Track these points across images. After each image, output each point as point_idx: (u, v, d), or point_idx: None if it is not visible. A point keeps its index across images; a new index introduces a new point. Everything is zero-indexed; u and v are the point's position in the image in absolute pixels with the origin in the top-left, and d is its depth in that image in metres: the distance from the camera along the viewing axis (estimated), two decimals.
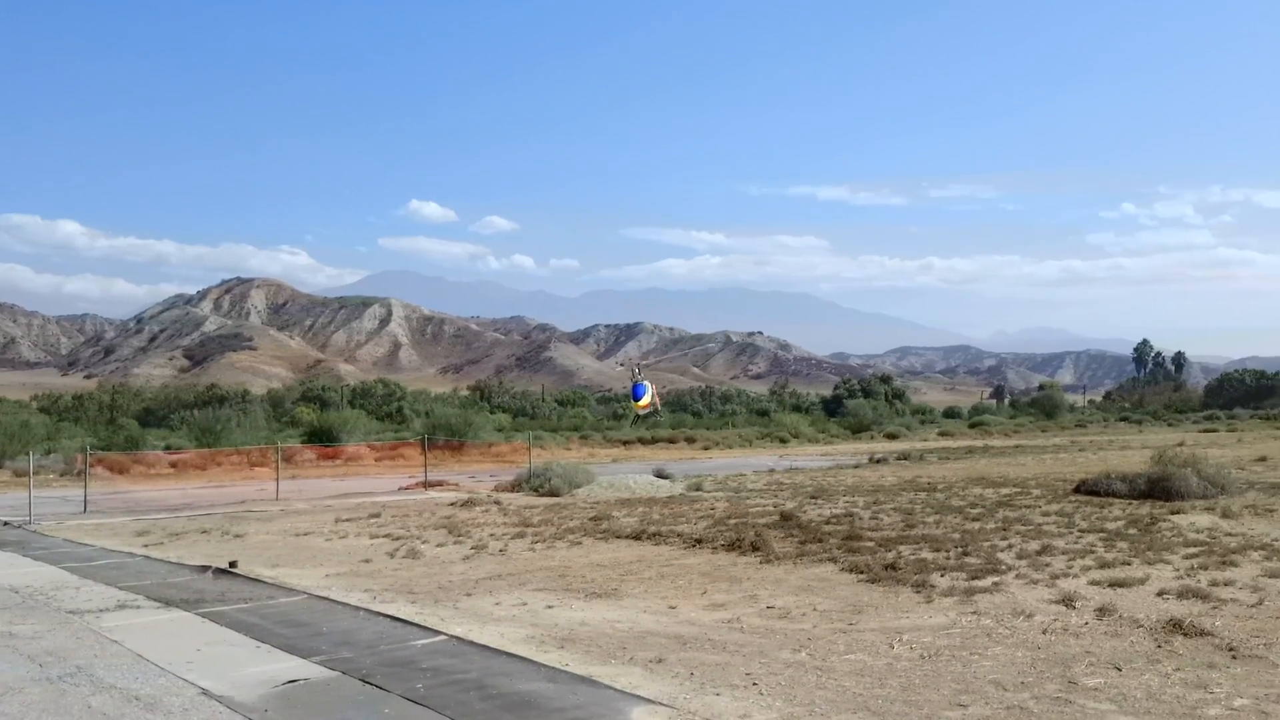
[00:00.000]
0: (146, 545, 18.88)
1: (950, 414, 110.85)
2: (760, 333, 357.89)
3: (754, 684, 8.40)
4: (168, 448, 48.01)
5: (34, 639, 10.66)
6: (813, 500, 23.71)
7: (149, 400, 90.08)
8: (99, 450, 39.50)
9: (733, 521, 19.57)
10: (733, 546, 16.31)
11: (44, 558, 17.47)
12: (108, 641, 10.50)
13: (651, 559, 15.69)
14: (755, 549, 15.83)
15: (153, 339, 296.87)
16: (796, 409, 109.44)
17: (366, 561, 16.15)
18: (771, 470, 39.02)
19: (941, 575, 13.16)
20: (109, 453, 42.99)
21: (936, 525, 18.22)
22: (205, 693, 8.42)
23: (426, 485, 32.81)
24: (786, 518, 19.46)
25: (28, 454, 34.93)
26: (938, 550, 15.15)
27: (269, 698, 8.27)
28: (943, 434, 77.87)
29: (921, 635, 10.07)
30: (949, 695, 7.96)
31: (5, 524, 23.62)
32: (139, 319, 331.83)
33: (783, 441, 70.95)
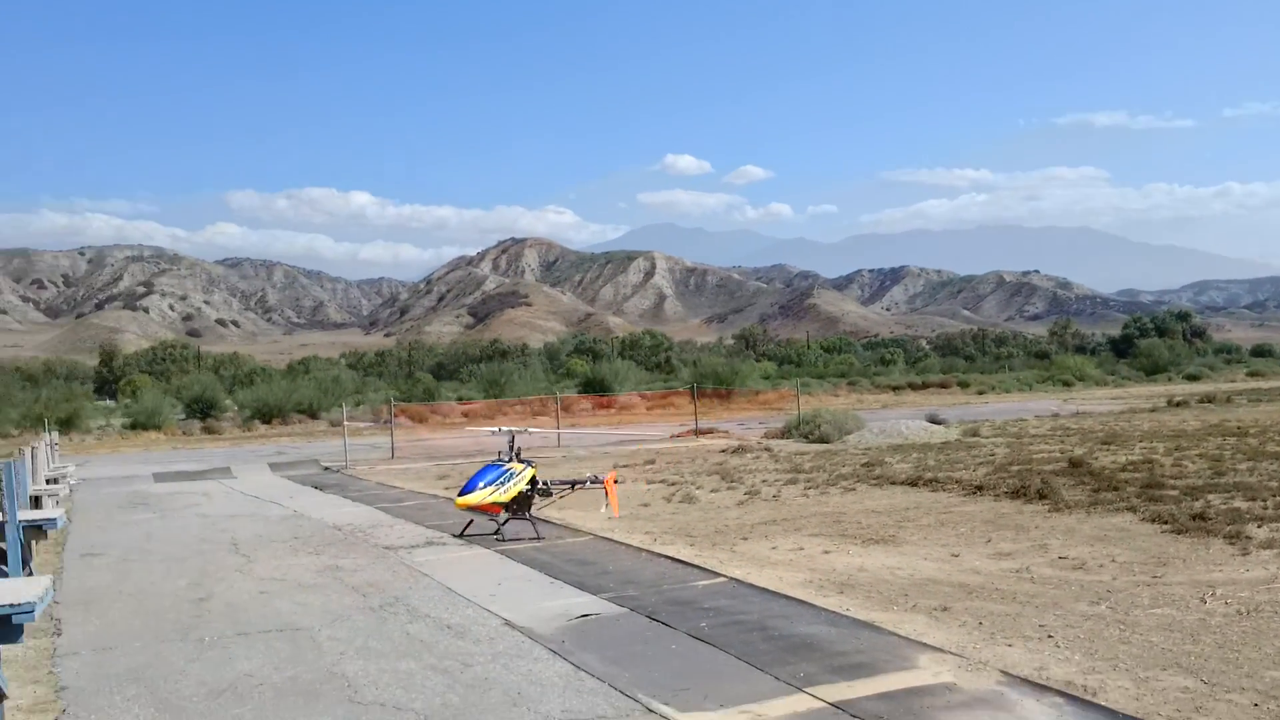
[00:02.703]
0: (446, 488, 20.41)
1: (1260, 352, 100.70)
2: (1036, 271, 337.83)
3: (1049, 636, 8.05)
4: (459, 399, 51.62)
5: (356, 572, 11.80)
6: (1104, 446, 22.27)
7: (440, 355, 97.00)
8: (400, 402, 42.94)
9: (1015, 468, 18.73)
10: (1017, 494, 15.63)
11: (359, 499, 19.28)
12: (419, 575, 11.47)
13: (929, 505, 15.31)
14: (1042, 496, 15.09)
15: (440, 299, 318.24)
16: (1080, 350, 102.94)
17: (644, 505, 16.71)
18: (1055, 415, 37.00)
19: (1258, 526, 12.04)
20: (409, 404, 46.73)
21: (1250, 473, 16.64)
22: (508, 623, 9.04)
23: (697, 433, 33.49)
24: (1076, 464, 18.39)
25: (340, 406, 38.62)
26: (1253, 499, 13.85)
27: (564, 630, 8.77)
28: (1252, 374, 70.95)
29: (1237, 590, 9.27)
30: (1272, 654, 7.30)
31: (326, 469, 26.26)
32: (427, 280, 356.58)
33: (1065, 385, 67.00)
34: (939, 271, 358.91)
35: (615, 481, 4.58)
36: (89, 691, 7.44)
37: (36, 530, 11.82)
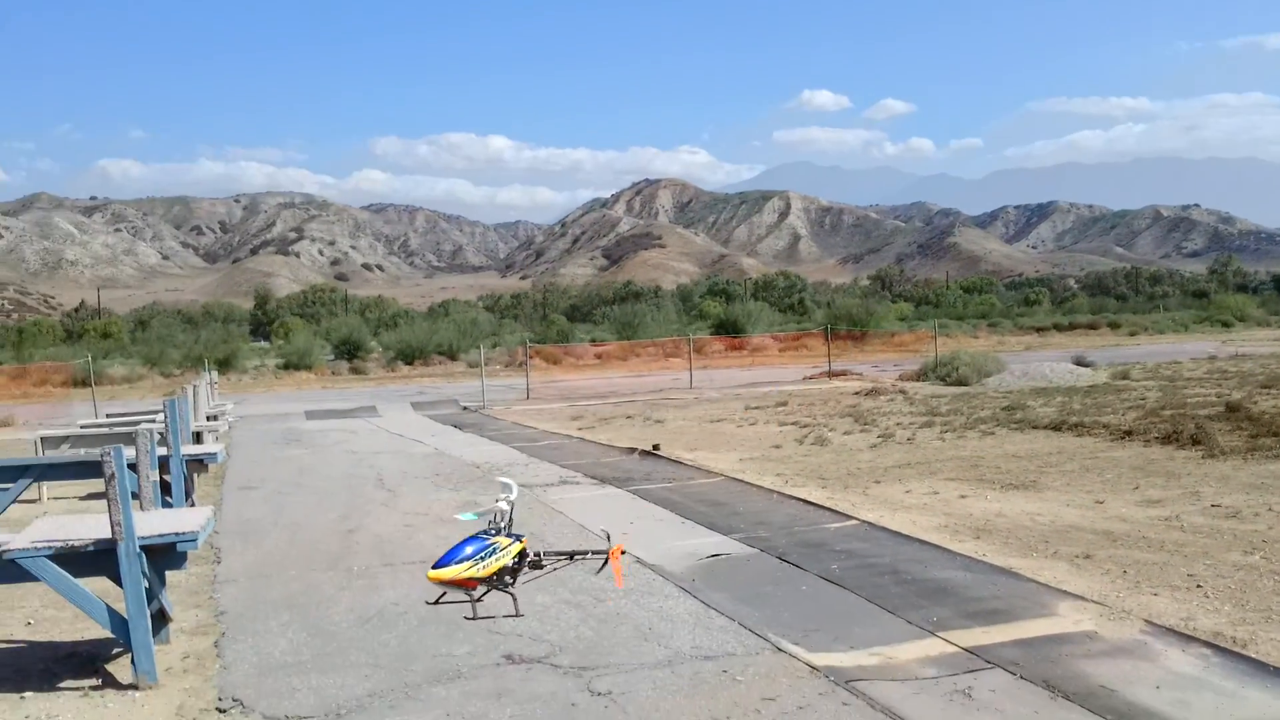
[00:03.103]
0: (580, 429, 20.78)
1: None
2: (1196, 205, 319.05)
3: (1198, 586, 7.72)
4: (593, 340, 52.27)
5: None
6: (1265, 390, 21.04)
7: (574, 298, 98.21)
8: (535, 344, 43.74)
9: (1167, 412, 17.89)
10: (1168, 439, 14.95)
11: (496, 438, 19.81)
12: (554, 512, 11.75)
13: (1073, 451, 14.80)
14: (1196, 442, 14.40)
15: (575, 241, 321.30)
16: (1242, 289, 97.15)
17: (776, 447, 16.66)
18: (1212, 357, 35.16)
19: None
20: (544, 345, 47.56)
21: None
22: (639, 561, 9.19)
23: (830, 375, 33.11)
24: (1233, 409, 17.44)
25: (478, 347, 39.63)
26: None
27: (695, 569, 8.87)
28: None
29: None
30: None
31: (465, 409, 27.04)
32: (562, 223, 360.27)
33: (1224, 326, 63.46)
34: (1090, 207, 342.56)
35: (622, 552, 4.44)
36: (246, 616, 7.92)
37: (198, 464, 12.54)
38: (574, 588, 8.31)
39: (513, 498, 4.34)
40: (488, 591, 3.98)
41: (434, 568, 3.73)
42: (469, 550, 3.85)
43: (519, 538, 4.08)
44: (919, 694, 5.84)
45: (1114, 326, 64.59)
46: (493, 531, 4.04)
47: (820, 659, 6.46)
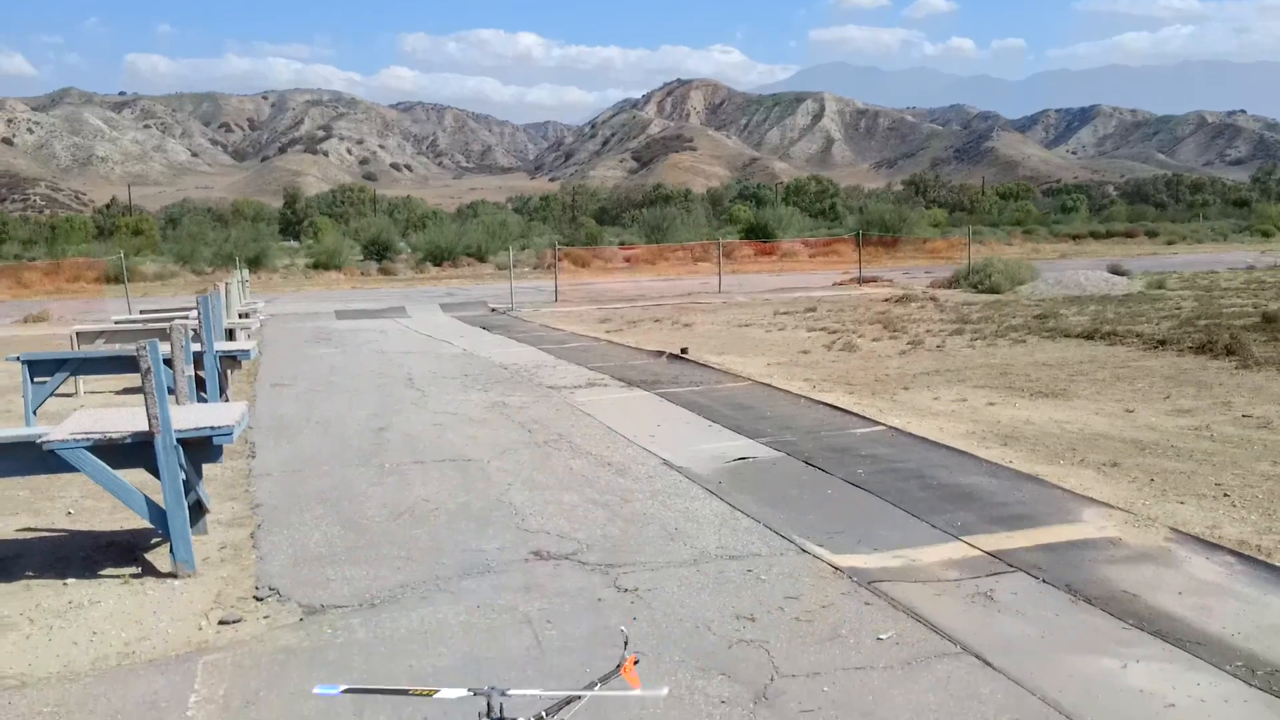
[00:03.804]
0: (608, 331, 20.81)
1: None
2: (1242, 111, 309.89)
3: (1225, 495, 7.71)
4: (621, 244, 52.02)
5: (522, 409, 12.27)
6: None
7: (604, 201, 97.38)
8: (564, 246, 43.57)
9: (1202, 322, 17.67)
10: (1202, 349, 14.78)
11: (525, 340, 19.89)
12: (581, 414, 11.84)
13: (1105, 360, 14.68)
14: (1230, 353, 14.24)
15: (604, 143, 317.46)
16: None
17: (804, 353, 16.64)
18: (1250, 268, 34.55)
19: None
20: (572, 248, 47.38)
21: None
22: (666, 463, 9.28)
23: (860, 281, 32.85)
24: (1269, 320, 17.19)
25: (507, 250, 39.55)
26: None
27: (721, 471, 8.94)
28: None
29: None
30: None
31: (493, 310, 27.12)
32: (592, 124, 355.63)
33: (1265, 236, 62.16)
34: (1134, 111, 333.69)
35: (635, 662, 4.04)
36: (281, 509, 8.09)
37: (231, 360, 12.70)
38: (601, 488, 8.42)
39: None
40: None
41: None
42: None
43: None
44: (941, 596, 5.90)
45: (1151, 235, 63.47)
46: None
47: (844, 560, 6.53)
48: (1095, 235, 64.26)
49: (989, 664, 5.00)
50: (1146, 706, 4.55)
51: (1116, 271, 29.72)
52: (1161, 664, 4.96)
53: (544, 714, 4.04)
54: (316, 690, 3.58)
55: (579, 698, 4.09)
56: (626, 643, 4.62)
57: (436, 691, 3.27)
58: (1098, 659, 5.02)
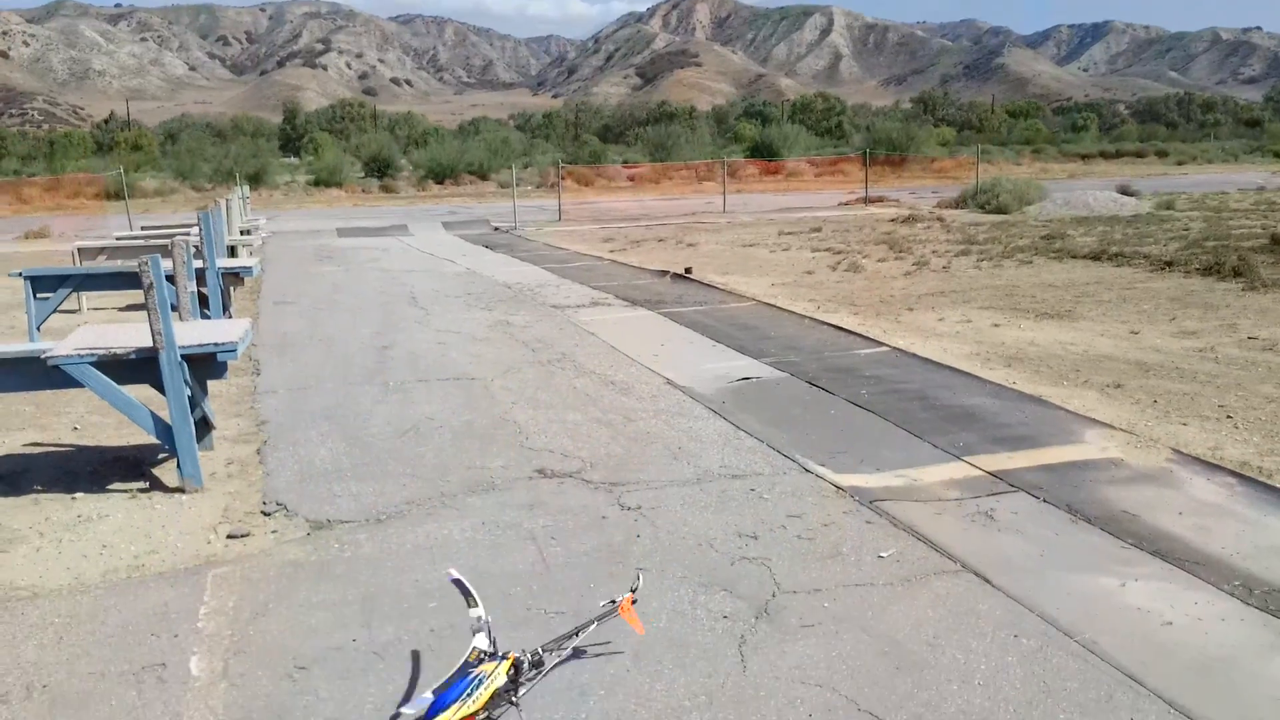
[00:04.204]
0: (611, 250, 20.70)
1: None
2: (1258, 28, 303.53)
3: (1227, 417, 7.72)
4: (624, 162, 51.48)
5: (525, 328, 12.26)
6: None
7: (607, 118, 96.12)
8: (567, 165, 43.14)
9: (1210, 244, 17.54)
10: (1209, 270, 14.71)
11: (528, 259, 19.80)
12: (585, 333, 11.83)
13: (1111, 281, 14.61)
14: (1237, 274, 14.16)
15: (608, 58, 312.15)
16: None
17: (808, 273, 16.56)
18: (1260, 189, 34.24)
19: None
20: (576, 166, 46.90)
21: None
22: (669, 383, 9.29)
23: (866, 201, 32.57)
24: (1277, 241, 17.07)
25: (510, 168, 39.17)
26: None
27: (725, 391, 8.96)
28: None
29: None
30: None
31: (496, 229, 26.96)
32: (595, 39, 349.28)
33: (1277, 156, 61.43)
34: (1147, 28, 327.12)
35: (634, 602, 4.16)
36: (287, 426, 8.13)
37: (234, 277, 12.66)
38: (605, 407, 8.44)
39: (481, 613, 4.13)
40: (488, 716, 3.74)
41: None
42: (455, 692, 3.61)
43: (504, 656, 3.85)
44: (941, 515, 5.95)
45: (1162, 155, 62.77)
46: (474, 662, 3.79)
47: (846, 480, 6.57)
48: (1105, 155, 63.54)
49: (988, 581, 5.06)
50: (1144, 624, 4.61)
51: (1125, 192, 29.44)
52: (1160, 583, 5.01)
53: (540, 649, 4.15)
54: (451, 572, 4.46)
55: (575, 634, 4.25)
56: (637, 584, 4.69)
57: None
58: (1096, 578, 5.08)
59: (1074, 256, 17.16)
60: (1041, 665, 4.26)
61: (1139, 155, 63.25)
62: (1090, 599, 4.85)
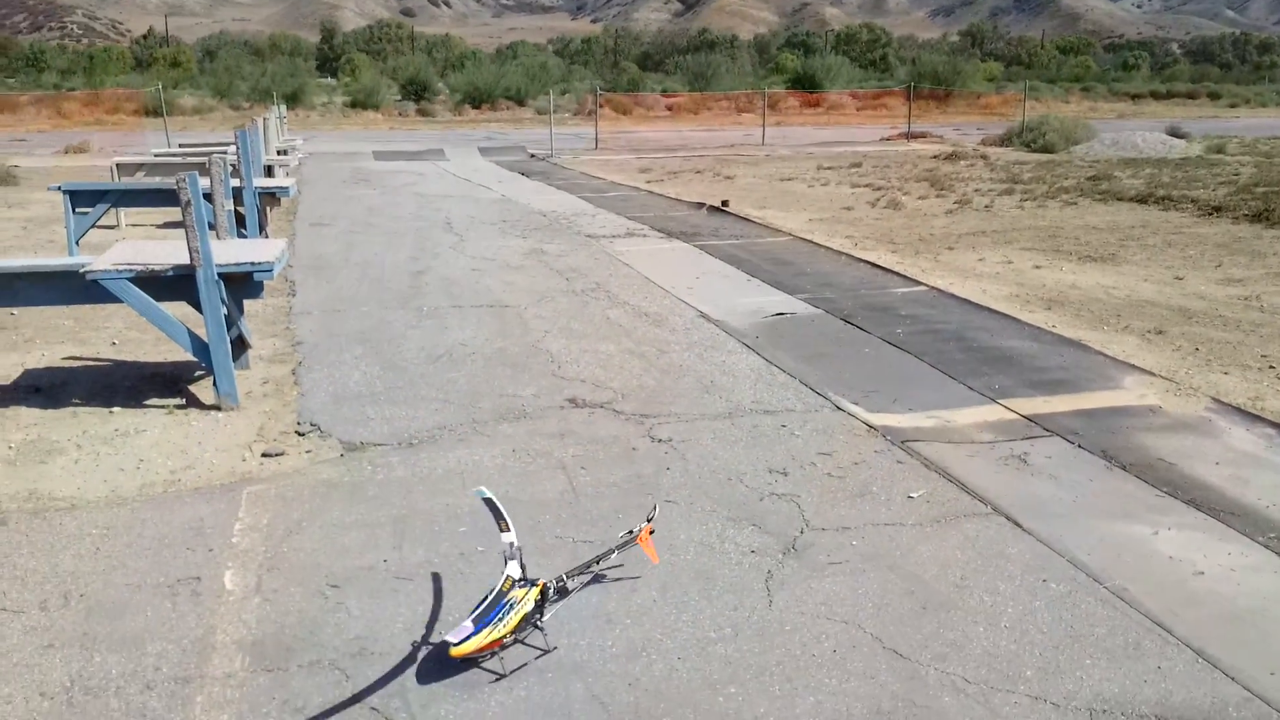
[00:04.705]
0: (649, 181, 20.50)
1: None
2: None
3: (1270, 367, 7.58)
4: (664, 91, 50.71)
5: (560, 257, 12.20)
6: None
7: (647, 45, 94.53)
8: (605, 92, 42.57)
9: (1261, 189, 17.10)
10: (1259, 217, 14.37)
11: (563, 187, 19.65)
12: (620, 264, 11.76)
13: (1157, 225, 14.30)
14: None
15: None
16: None
17: (847, 209, 16.34)
18: None
19: None
20: (614, 94, 46.30)
21: None
22: (703, 316, 9.24)
23: (909, 136, 32.00)
24: None
25: (547, 94, 38.73)
26: None
27: (758, 326, 8.90)
28: None
29: None
30: None
31: (532, 156, 26.74)
32: None
33: None
34: None
35: (651, 533, 4.16)
36: (322, 348, 8.18)
37: (270, 197, 12.67)
38: (638, 338, 8.41)
39: (513, 539, 4.22)
40: (515, 642, 3.86)
41: (455, 645, 3.57)
42: (487, 615, 3.72)
43: (533, 582, 3.94)
44: (974, 457, 5.91)
45: (1214, 97, 61.04)
46: (506, 589, 3.89)
47: (878, 419, 6.53)
48: (1155, 95, 61.89)
49: (1019, 524, 5.03)
50: (1175, 572, 4.57)
51: (1175, 134, 28.70)
52: (1193, 532, 4.96)
53: (564, 575, 4.22)
54: (480, 490, 4.50)
55: (596, 561, 4.33)
56: (653, 514, 4.74)
57: None
58: (1129, 525, 5.04)
59: (1120, 199, 16.81)
60: (1069, 610, 4.25)
61: (1190, 96, 61.55)
62: (1121, 546, 4.82)
